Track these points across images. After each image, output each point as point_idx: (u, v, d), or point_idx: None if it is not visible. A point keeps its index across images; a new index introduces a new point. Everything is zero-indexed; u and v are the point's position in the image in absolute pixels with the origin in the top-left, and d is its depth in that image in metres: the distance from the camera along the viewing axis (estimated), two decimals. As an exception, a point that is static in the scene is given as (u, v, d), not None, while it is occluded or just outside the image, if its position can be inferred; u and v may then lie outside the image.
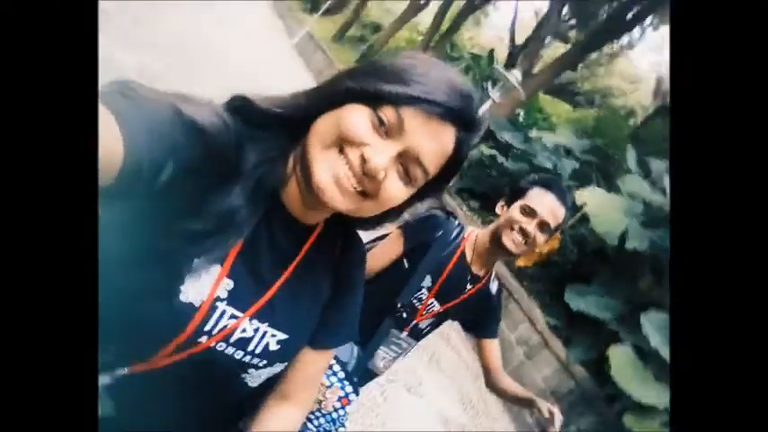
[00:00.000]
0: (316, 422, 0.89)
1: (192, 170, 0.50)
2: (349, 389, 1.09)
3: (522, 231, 1.34)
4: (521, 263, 1.45)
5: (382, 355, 1.45)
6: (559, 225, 1.39)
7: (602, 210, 4.59)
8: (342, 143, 0.56)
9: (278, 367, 0.65)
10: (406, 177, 0.58)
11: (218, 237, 0.53)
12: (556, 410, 1.38)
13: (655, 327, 4.02)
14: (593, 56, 16.20)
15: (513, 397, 1.57)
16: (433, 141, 0.57)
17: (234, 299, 0.58)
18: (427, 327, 1.50)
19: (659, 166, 5.08)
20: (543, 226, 1.35)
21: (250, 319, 0.60)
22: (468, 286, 1.47)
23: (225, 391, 0.65)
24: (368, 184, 0.56)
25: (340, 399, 0.97)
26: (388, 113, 0.55)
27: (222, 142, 0.53)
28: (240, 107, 0.58)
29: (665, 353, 3.87)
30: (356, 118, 0.55)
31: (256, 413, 0.70)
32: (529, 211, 1.35)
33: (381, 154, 0.55)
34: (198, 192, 0.52)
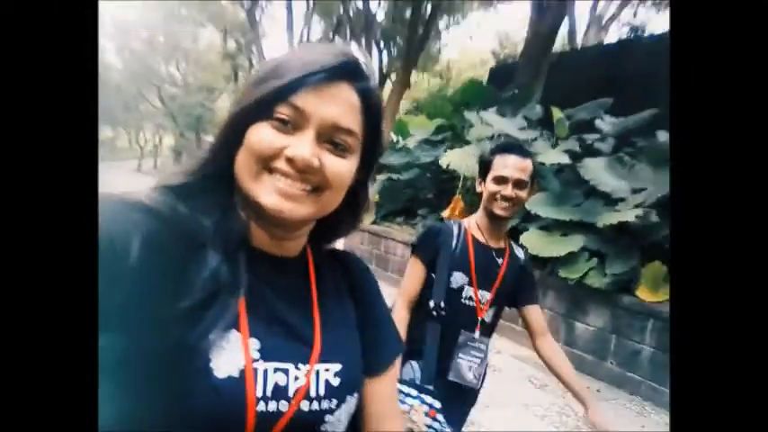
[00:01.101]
0: None
1: (159, 248, 0.50)
2: (429, 399, 1.11)
3: (504, 198, 1.50)
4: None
5: (467, 364, 1.49)
6: (533, 175, 1.54)
7: (461, 158, 5.96)
8: (265, 164, 0.56)
9: (351, 402, 0.62)
10: (340, 151, 0.58)
11: (215, 304, 0.52)
12: (601, 421, 1.38)
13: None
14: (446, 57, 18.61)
15: (560, 376, 1.54)
16: (336, 104, 0.57)
17: (268, 354, 0.55)
18: (491, 319, 1.59)
19: (487, 112, 6.55)
20: (519, 184, 1.50)
21: (296, 366, 0.57)
22: (499, 260, 1.58)
23: None
24: (312, 178, 0.57)
25: (427, 414, 1.00)
26: (283, 111, 0.55)
27: (174, 216, 0.54)
28: (163, 189, 0.58)
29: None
30: (259, 135, 0.55)
31: None
32: (501, 179, 1.50)
33: (301, 144, 0.55)
34: (175, 272, 0.51)
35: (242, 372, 0.52)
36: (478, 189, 1.59)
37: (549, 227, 5.24)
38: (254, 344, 0.55)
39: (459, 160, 5.97)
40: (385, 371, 0.70)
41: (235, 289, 0.54)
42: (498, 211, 1.51)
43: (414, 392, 1.21)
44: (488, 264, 1.56)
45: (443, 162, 6.06)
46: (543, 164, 5.35)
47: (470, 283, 1.52)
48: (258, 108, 0.56)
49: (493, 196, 1.51)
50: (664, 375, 4.29)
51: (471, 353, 1.51)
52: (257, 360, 0.55)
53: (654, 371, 4.37)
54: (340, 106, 0.57)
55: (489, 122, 6.13)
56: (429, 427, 0.94)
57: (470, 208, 6.42)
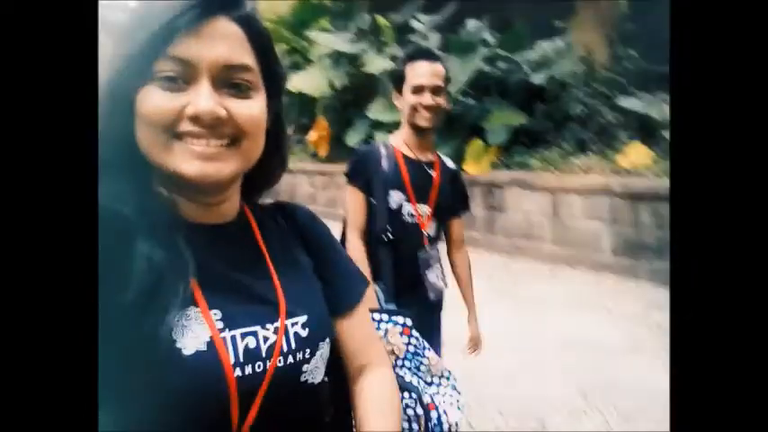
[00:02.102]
0: (404, 370, 0.84)
1: None
2: (400, 319, 1.02)
3: (426, 107, 1.48)
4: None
5: (434, 276, 1.59)
6: (447, 78, 1.54)
7: (307, 80, 6.45)
8: (170, 131, 0.51)
9: (324, 348, 0.61)
10: (243, 92, 0.53)
11: (163, 289, 0.49)
12: (474, 329, 1.71)
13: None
14: None
15: (462, 286, 1.74)
16: (220, 41, 0.51)
17: (232, 321, 0.54)
18: (435, 233, 1.63)
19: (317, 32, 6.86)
20: (437, 90, 1.49)
21: (263, 326, 0.56)
22: (432, 173, 1.60)
23: (303, 405, 0.60)
24: (225, 130, 0.52)
25: (401, 333, 0.96)
26: (166, 67, 0.50)
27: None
28: None
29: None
30: (152, 102, 0.50)
31: (352, 409, 0.66)
32: (418, 89, 1.48)
33: (200, 97, 0.50)
34: (108, 270, 0.46)
35: (209, 343, 0.51)
36: (397, 103, 1.59)
37: (387, 126, 5.96)
38: (216, 314, 0.53)
39: (304, 83, 6.39)
40: (355, 307, 0.68)
41: (180, 269, 0.51)
42: (422, 123, 1.51)
43: (385, 317, 1.27)
44: (422, 178, 1.57)
45: (293, 88, 6.44)
46: (373, 74, 5.93)
47: (408, 200, 1.54)
48: (136, 69, 0.50)
49: (414, 108, 1.50)
50: (493, 228, 5.41)
51: (431, 263, 1.58)
52: (223, 329, 0.53)
53: (487, 227, 5.48)
54: (225, 42, 0.52)
55: (318, 41, 6.50)
56: (407, 344, 0.93)
57: (331, 126, 6.99)
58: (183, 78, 0.51)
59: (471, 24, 6.34)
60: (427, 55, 1.55)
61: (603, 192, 4.37)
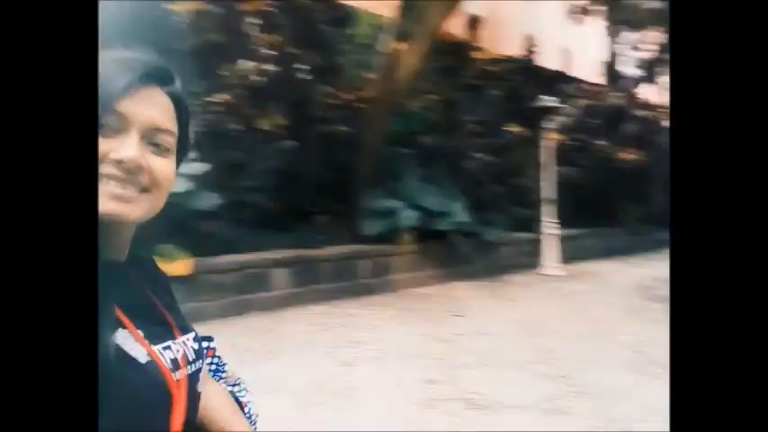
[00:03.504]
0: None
1: None
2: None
3: None
4: None
5: None
6: None
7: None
8: None
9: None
10: (162, 150, 0.62)
11: (101, 314, 0.53)
12: None
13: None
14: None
15: None
16: (154, 106, 0.61)
17: (152, 338, 0.62)
18: None
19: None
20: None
21: (172, 341, 0.66)
22: None
23: (195, 412, 0.69)
24: (141, 179, 0.59)
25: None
26: (105, 118, 0.56)
27: None
28: None
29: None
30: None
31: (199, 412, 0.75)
32: None
33: (127, 147, 0.57)
34: None
35: (148, 354, 0.59)
36: None
37: None
38: (141, 333, 0.60)
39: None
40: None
41: (109, 298, 0.56)
42: None
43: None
44: None
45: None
46: None
47: None
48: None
49: None
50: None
51: None
52: (149, 345, 0.60)
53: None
54: (157, 108, 0.61)
55: None
56: (210, 363, 0.98)
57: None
58: (115, 128, 0.58)
59: None
60: None
61: None
